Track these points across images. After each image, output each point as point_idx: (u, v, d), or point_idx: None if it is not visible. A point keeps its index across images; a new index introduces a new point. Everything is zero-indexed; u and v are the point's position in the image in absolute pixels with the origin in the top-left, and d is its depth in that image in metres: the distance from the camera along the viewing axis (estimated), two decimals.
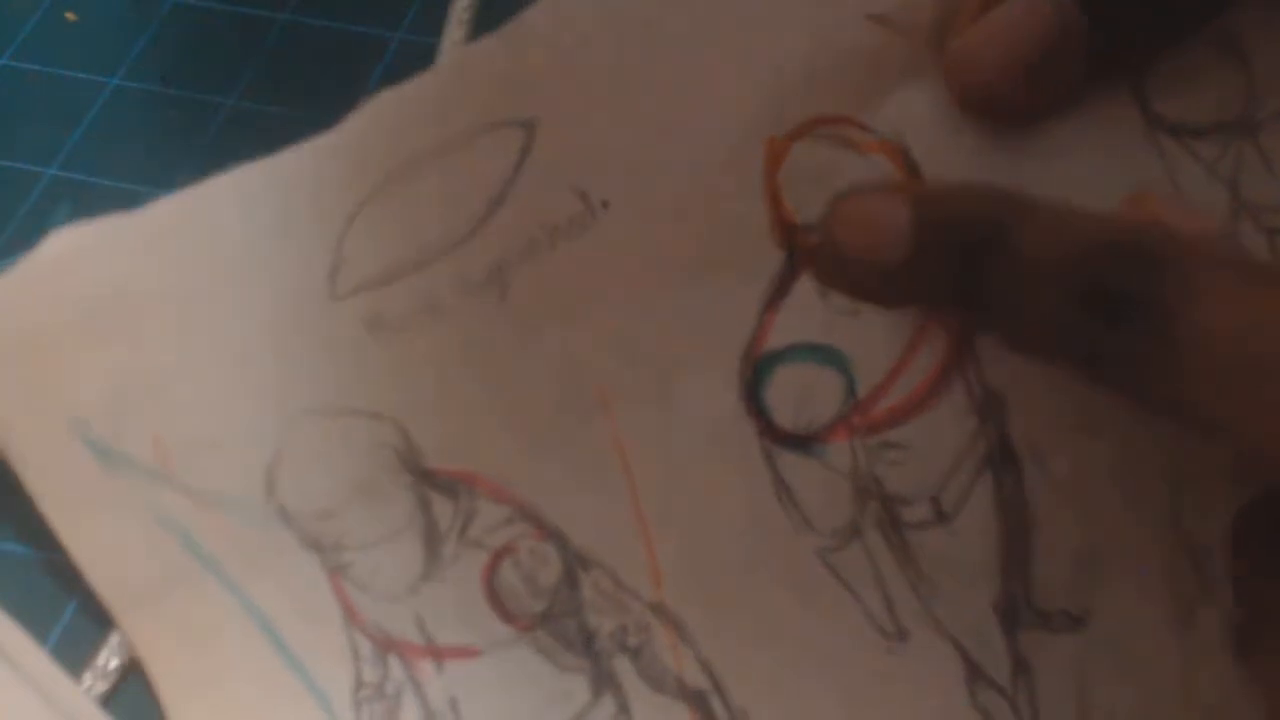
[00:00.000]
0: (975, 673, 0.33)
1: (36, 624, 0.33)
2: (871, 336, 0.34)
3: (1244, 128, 0.34)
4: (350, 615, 0.33)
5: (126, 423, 0.32)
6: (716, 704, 0.33)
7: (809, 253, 0.34)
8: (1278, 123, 0.34)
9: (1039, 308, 0.29)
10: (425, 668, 0.33)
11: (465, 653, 0.33)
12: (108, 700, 0.33)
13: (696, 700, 0.33)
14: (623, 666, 0.34)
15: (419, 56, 0.31)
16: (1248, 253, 0.32)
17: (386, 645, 0.33)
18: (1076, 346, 0.29)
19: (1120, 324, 0.28)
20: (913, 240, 0.30)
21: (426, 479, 0.33)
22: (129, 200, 0.31)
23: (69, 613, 0.32)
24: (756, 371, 0.34)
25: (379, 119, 0.32)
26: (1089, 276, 0.28)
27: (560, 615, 0.34)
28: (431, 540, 0.33)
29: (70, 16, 0.42)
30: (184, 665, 0.33)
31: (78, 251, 0.31)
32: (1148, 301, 0.28)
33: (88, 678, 0.33)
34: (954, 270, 0.30)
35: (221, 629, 0.33)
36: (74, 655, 0.33)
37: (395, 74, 0.31)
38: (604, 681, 0.33)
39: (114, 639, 0.34)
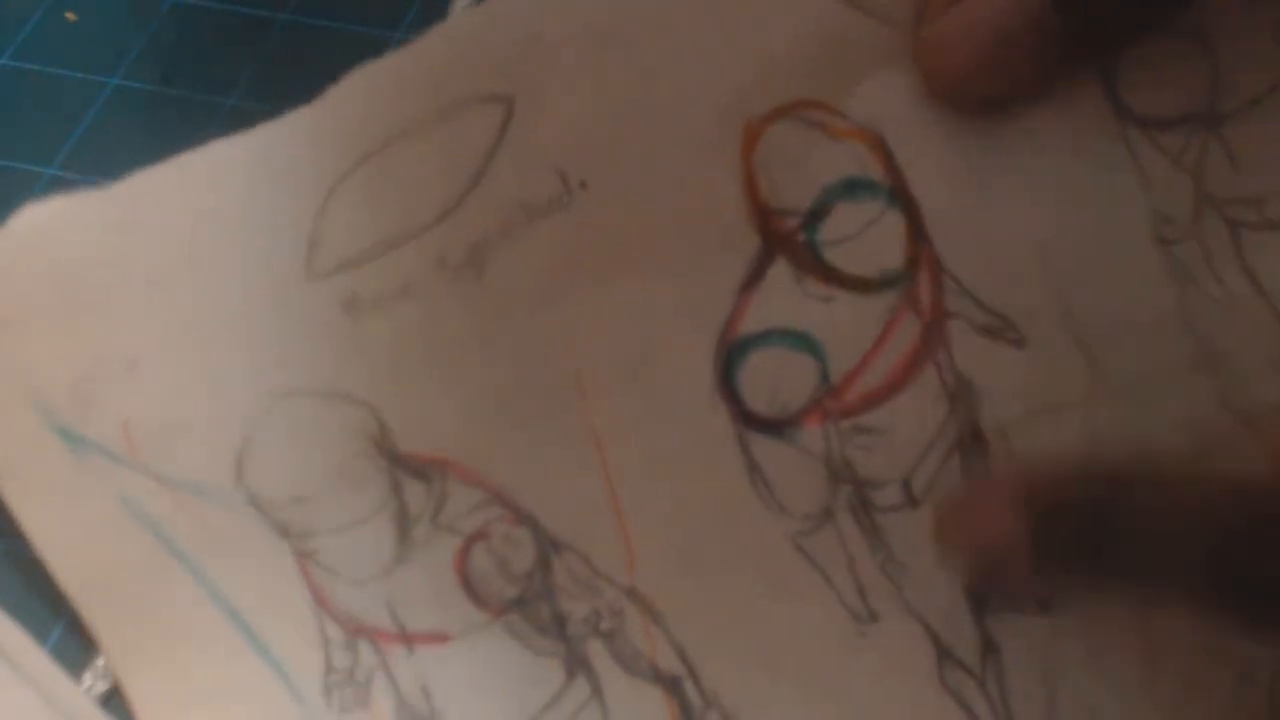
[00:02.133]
0: (945, 655, 0.34)
1: (36, 624, 0.32)
2: (845, 322, 0.34)
3: (1209, 120, 0.34)
4: (320, 601, 0.33)
5: (94, 406, 0.31)
6: (689, 687, 0.33)
7: (783, 237, 0.34)
8: (1242, 116, 0.34)
9: (1172, 575, 0.29)
10: (396, 653, 0.33)
11: (437, 638, 0.33)
12: (108, 700, 0.32)
13: (670, 684, 0.33)
14: (596, 650, 0.33)
15: None
16: None
17: (357, 631, 0.33)
18: (1222, 612, 0.29)
19: (1264, 595, 0.28)
20: (1032, 548, 0.30)
21: (399, 463, 0.33)
22: None
23: (69, 613, 0.32)
24: (731, 356, 0.34)
25: (357, 94, 0.32)
26: (1213, 555, 0.28)
27: (533, 600, 0.33)
28: (403, 525, 0.33)
29: (70, 16, 0.41)
30: (149, 654, 0.32)
31: (47, 228, 0.31)
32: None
33: (88, 678, 0.33)
34: (1081, 557, 0.30)
35: (188, 616, 0.32)
36: (74, 655, 0.33)
37: None
38: (577, 665, 0.33)
39: None
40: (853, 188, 0.34)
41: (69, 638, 0.33)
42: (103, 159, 0.39)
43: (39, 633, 0.32)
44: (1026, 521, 0.30)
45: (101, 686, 0.33)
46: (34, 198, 0.30)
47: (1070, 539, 0.30)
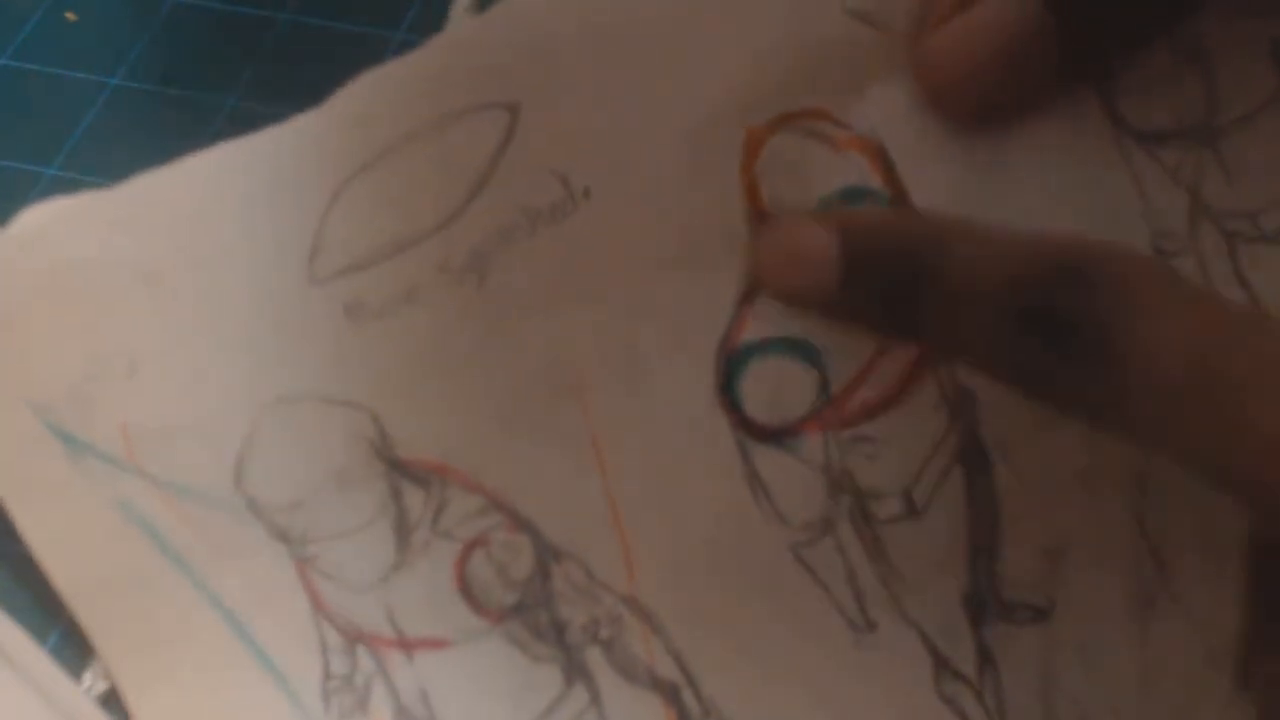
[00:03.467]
0: (942, 664, 0.34)
1: (36, 624, 0.32)
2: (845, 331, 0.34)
3: (1205, 134, 0.35)
4: (318, 607, 0.33)
5: (93, 408, 0.31)
6: (688, 695, 0.33)
7: None
8: (1237, 130, 0.35)
9: (976, 333, 0.30)
10: (395, 659, 0.33)
11: (436, 644, 0.33)
12: (107, 700, 0.32)
13: (668, 691, 0.33)
14: (594, 658, 0.33)
15: None
16: (1175, 270, 0.32)
17: (355, 637, 0.33)
18: (1018, 368, 0.29)
19: (1060, 345, 0.28)
20: (841, 272, 0.31)
21: (399, 469, 0.33)
22: None
23: (69, 613, 0.32)
24: (731, 364, 0.34)
25: (362, 99, 0.32)
26: (1025, 299, 0.29)
27: (532, 607, 0.33)
28: (402, 531, 0.33)
29: (70, 16, 0.41)
30: (146, 659, 0.32)
31: (48, 229, 0.30)
32: (1087, 321, 0.28)
33: (88, 678, 0.32)
34: (888, 299, 0.31)
35: (186, 622, 0.32)
36: (74, 655, 0.32)
37: None
38: (576, 673, 0.33)
39: None
40: (853, 197, 0.34)
41: (69, 638, 0.32)
42: (103, 159, 0.39)
43: (39, 633, 0.32)
44: (839, 248, 0.31)
45: (101, 686, 0.32)
46: (34, 198, 0.30)
47: (878, 270, 0.31)
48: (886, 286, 0.30)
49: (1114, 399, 0.28)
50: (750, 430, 0.34)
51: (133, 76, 0.40)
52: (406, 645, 0.33)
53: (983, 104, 0.34)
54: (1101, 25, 0.34)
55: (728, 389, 0.34)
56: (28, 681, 0.31)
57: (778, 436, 0.34)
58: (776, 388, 0.34)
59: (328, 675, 0.33)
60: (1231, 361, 0.27)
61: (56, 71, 0.41)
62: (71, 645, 0.32)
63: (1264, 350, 0.28)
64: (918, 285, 0.30)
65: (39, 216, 0.30)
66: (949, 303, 0.30)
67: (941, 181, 0.34)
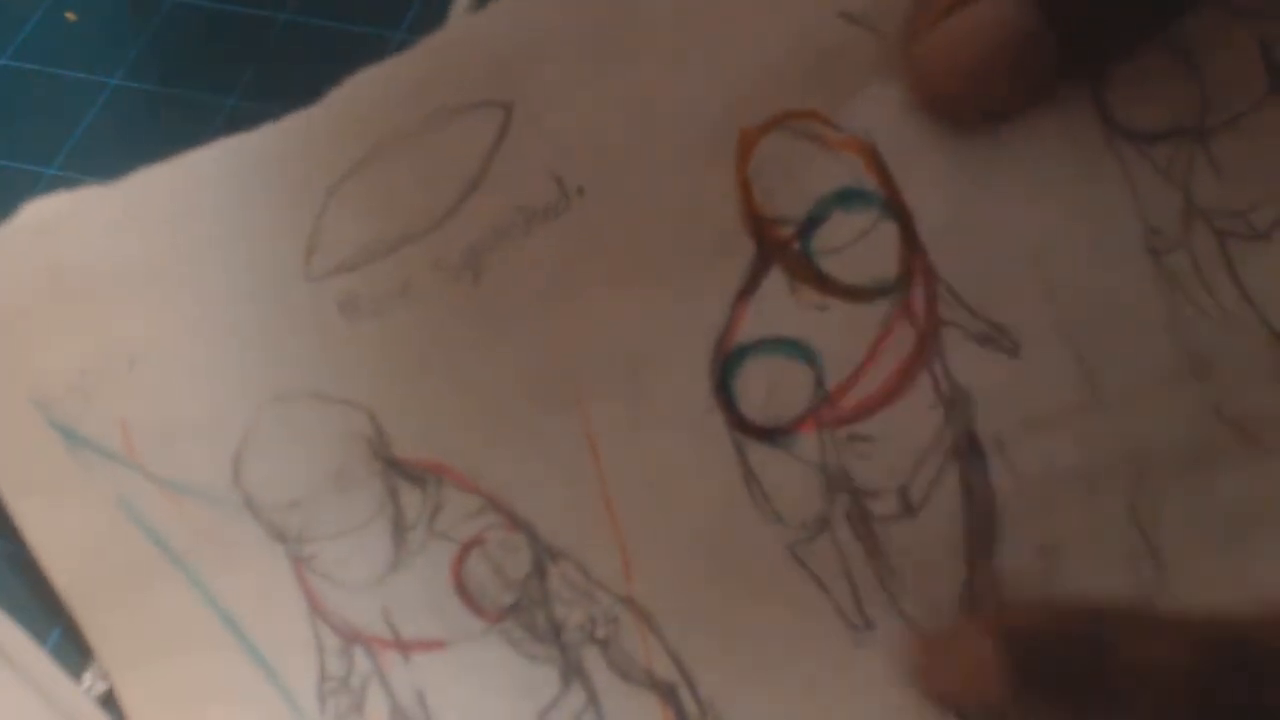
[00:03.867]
0: None
1: (36, 624, 0.32)
2: (840, 330, 0.34)
3: (1196, 134, 0.35)
4: (315, 607, 0.33)
5: (92, 404, 0.31)
6: (685, 695, 0.33)
7: (778, 246, 0.34)
8: (1228, 130, 0.35)
9: (1153, 714, 0.29)
10: (392, 659, 0.33)
11: (432, 644, 0.33)
12: (107, 700, 0.32)
13: (665, 691, 0.33)
14: (592, 657, 0.33)
15: None
16: None
17: (352, 637, 0.33)
18: None
19: None
20: (1013, 684, 0.30)
21: (395, 468, 0.33)
22: None
23: (68, 613, 0.32)
24: (727, 363, 0.34)
25: (358, 97, 0.32)
26: (1201, 690, 0.29)
27: (529, 607, 0.33)
28: (399, 531, 0.33)
29: (70, 16, 0.41)
30: (143, 657, 0.32)
31: (48, 226, 0.31)
32: (1264, 713, 0.28)
33: (88, 678, 0.32)
34: (1062, 687, 0.30)
35: (182, 620, 0.32)
36: (74, 655, 0.32)
37: None
38: (573, 672, 0.33)
39: None
40: (847, 197, 0.34)
41: (69, 638, 0.32)
42: (103, 159, 0.39)
43: (39, 633, 0.32)
44: (1005, 657, 0.30)
45: (101, 686, 0.32)
46: (34, 198, 0.30)
47: (1049, 675, 0.30)
48: (1060, 685, 0.30)
49: None
50: (746, 429, 0.34)
51: (133, 76, 0.41)
52: (403, 646, 0.33)
53: (976, 105, 0.34)
54: (1093, 27, 0.34)
55: (723, 388, 0.34)
56: (28, 681, 0.31)
57: (774, 435, 0.34)
58: (772, 387, 0.34)
59: (324, 676, 0.33)
60: None
61: (56, 71, 0.41)
62: (71, 645, 0.32)
63: None
64: (1091, 673, 0.30)
65: (39, 212, 0.30)
66: (1125, 688, 0.30)
67: (935, 181, 0.34)
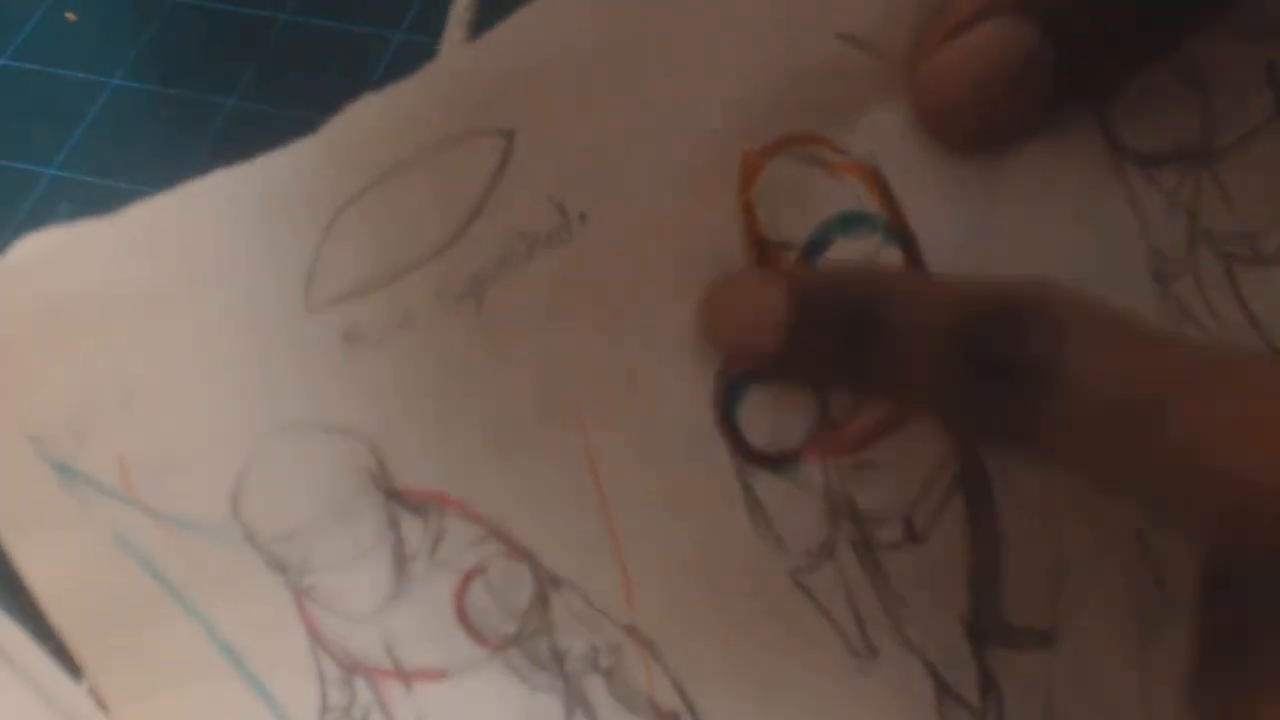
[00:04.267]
0: (945, 691, 0.34)
1: (36, 624, 0.32)
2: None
3: (1202, 157, 0.35)
4: (316, 637, 0.32)
5: (89, 438, 0.31)
6: (684, 714, 0.33)
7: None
8: (1234, 153, 0.35)
9: (920, 379, 0.31)
10: (393, 690, 0.33)
11: (434, 674, 0.33)
12: (107, 709, 0.32)
13: (663, 712, 0.33)
14: (594, 687, 0.33)
15: (419, 56, 0.31)
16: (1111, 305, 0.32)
17: (353, 667, 0.33)
18: (963, 410, 0.31)
19: (999, 384, 0.29)
20: (788, 326, 0.32)
21: (397, 498, 0.33)
22: (129, 200, 0.30)
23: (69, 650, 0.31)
24: (730, 390, 0.34)
25: (358, 126, 0.31)
26: (964, 344, 0.30)
27: (531, 636, 0.33)
28: (401, 560, 0.33)
29: (70, 16, 0.40)
30: (143, 691, 0.32)
31: (46, 258, 0.30)
32: (1023, 359, 0.29)
33: (88, 678, 0.32)
34: (836, 351, 0.32)
35: (183, 653, 0.32)
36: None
37: (395, 74, 0.30)
38: (576, 702, 0.33)
39: None
40: (850, 221, 0.34)
41: None
42: (103, 159, 0.39)
43: (39, 633, 0.32)
44: (784, 306, 0.32)
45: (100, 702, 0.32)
46: (34, 198, 0.30)
47: (823, 328, 0.32)
48: (833, 339, 0.32)
49: (1054, 433, 0.29)
50: (750, 456, 0.34)
51: (133, 76, 0.40)
52: (405, 676, 0.33)
53: (979, 128, 0.34)
54: (1098, 49, 0.34)
55: (727, 415, 0.34)
56: (28, 681, 0.31)
57: (777, 463, 0.34)
58: (776, 414, 0.34)
59: (325, 707, 0.32)
60: (1155, 386, 0.28)
61: (56, 71, 0.40)
62: None
63: (1190, 373, 0.29)
64: (863, 337, 0.31)
65: (34, 246, 0.30)
66: (893, 352, 0.31)
67: (939, 205, 0.34)
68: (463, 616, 0.33)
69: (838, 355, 0.32)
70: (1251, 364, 0.30)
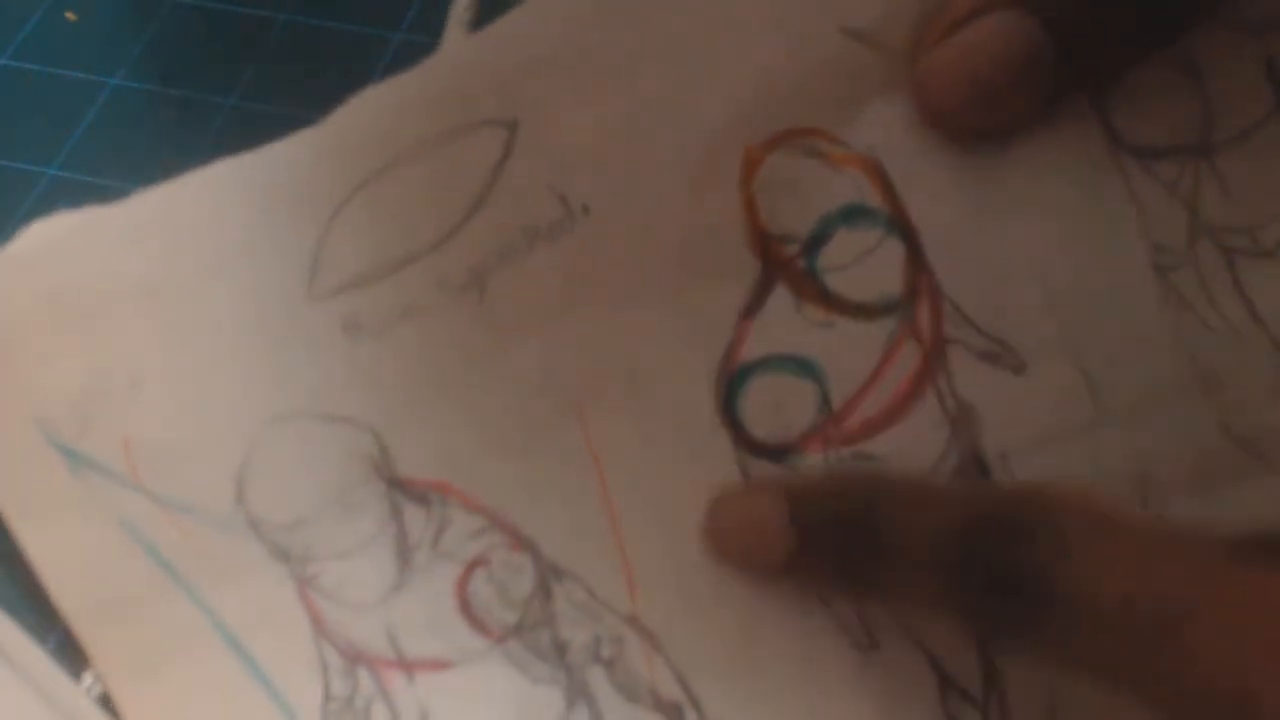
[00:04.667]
0: (948, 683, 0.33)
1: (36, 624, 0.32)
2: (846, 348, 0.34)
3: (1202, 150, 0.35)
4: (319, 627, 0.33)
5: (95, 425, 0.31)
6: (691, 715, 0.33)
7: (783, 263, 0.34)
8: (1234, 146, 0.35)
9: (925, 588, 0.31)
10: (396, 680, 0.33)
11: (436, 664, 0.33)
12: (108, 700, 0.32)
13: (671, 712, 0.33)
14: (596, 678, 0.33)
15: (419, 56, 0.31)
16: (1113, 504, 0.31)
17: (356, 657, 0.33)
18: (971, 616, 0.31)
19: (1005, 596, 0.29)
20: (795, 541, 0.32)
21: (399, 488, 0.33)
22: None
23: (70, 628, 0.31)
24: (732, 382, 0.34)
25: (362, 116, 0.32)
26: (965, 554, 0.30)
27: (533, 626, 0.33)
28: (403, 550, 0.33)
29: (70, 16, 0.41)
30: (145, 678, 0.32)
31: (52, 245, 0.30)
32: (1025, 572, 0.29)
33: (88, 678, 0.32)
34: (840, 560, 0.32)
35: (185, 641, 0.32)
36: (74, 655, 0.32)
37: (395, 74, 0.30)
38: (577, 693, 0.33)
39: None
40: (852, 215, 0.34)
41: (69, 638, 0.32)
42: (103, 159, 0.39)
43: (39, 633, 0.32)
44: (788, 518, 0.32)
45: (101, 686, 0.32)
46: (34, 197, 0.30)
47: (825, 539, 0.32)
48: (835, 547, 0.32)
49: (1061, 643, 0.29)
50: (751, 448, 0.34)
51: (133, 76, 0.40)
52: (407, 666, 0.33)
53: (980, 122, 0.34)
54: (1097, 43, 0.34)
55: (728, 406, 0.34)
56: (28, 681, 0.31)
57: (779, 454, 0.34)
58: (777, 405, 0.34)
59: (328, 697, 0.32)
60: (1166, 599, 0.28)
61: (56, 71, 0.41)
62: (72, 645, 0.32)
63: (1203, 581, 0.28)
64: (864, 544, 0.31)
65: (41, 232, 0.30)
66: (896, 561, 0.31)
67: (939, 198, 0.34)
68: (465, 607, 0.33)
69: (841, 563, 0.32)
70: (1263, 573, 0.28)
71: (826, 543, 0.32)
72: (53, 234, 0.31)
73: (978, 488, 0.33)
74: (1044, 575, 0.28)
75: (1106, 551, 0.28)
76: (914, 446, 0.34)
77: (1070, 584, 0.28)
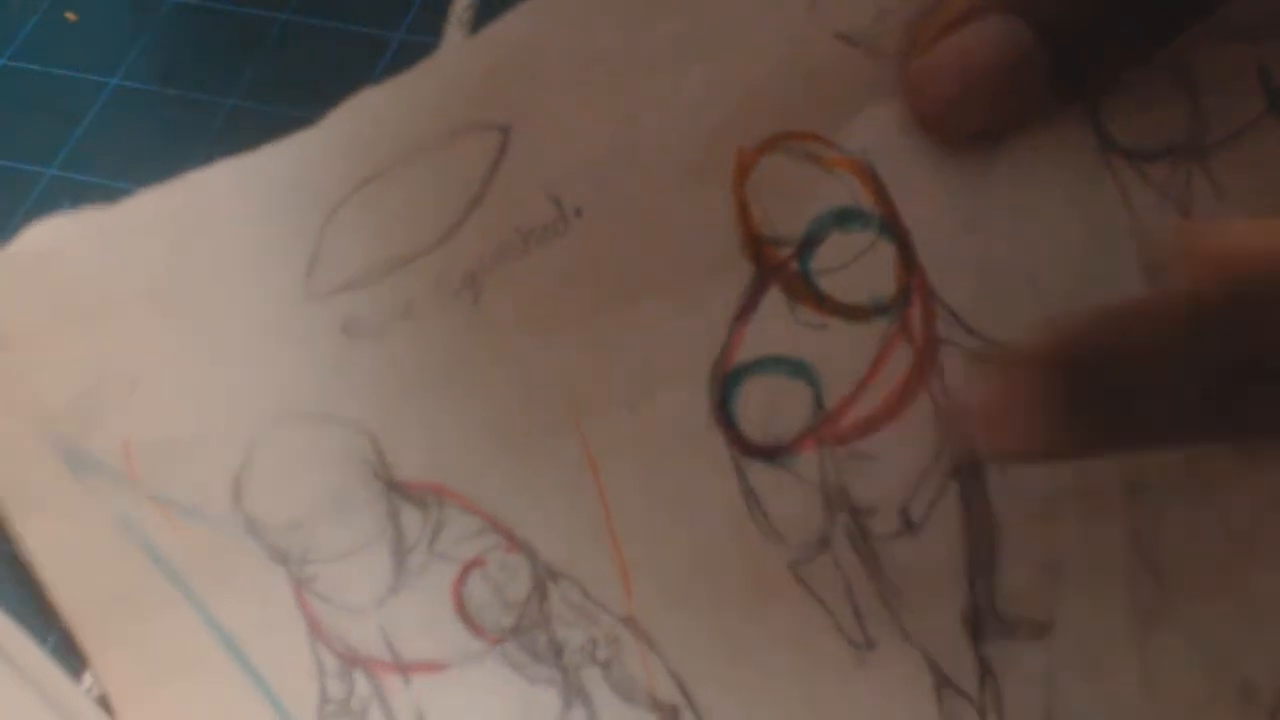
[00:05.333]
0: (943, 681, 0.33)
1: (36, 624, 0.32)
2: (839, 349, 0.34)
3: (1193, 152, 0.35)
4: (316, 629, 0.33)
5: (95, 424, 0.31)
6: (687, 716, 0.33)
7: (776, 266, 0.34)
8: (1226, 149, 0.35)
9: (1202, 400, 0.29)
10: (392, 682, 0.33)
11: (433, 666, 0.33)
12: (107, 700, 0.32)
13: (667, 713, 0.33)
14: (592, 679, 0.33)
15: (419, 56, 0.31)
16: None
17: (352, 660, 0.33)
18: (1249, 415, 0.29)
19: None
20: (1068, 404, 0.29)
21: (396, 490, 0.33)
22: None
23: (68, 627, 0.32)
24: (726, 383, 0.34)
25: (358, 118, 0.32)
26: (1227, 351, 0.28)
27: (529, 628, 0.33)
28: (400, 552, 0.33)
29: (70, 16, 0.41)
30: (142, 678, 0.32)
31: (52, 245, 0.31)
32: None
33: (88, 678, 0.32)
34: (1114, 411, 0.29)
35: (183, 642, 0.32)
36: (74, 655, 0.32)
37: (395, 74, 0.31)
38: (574, 694, 0.33)
39: None
40: (845, 217, 0.34)
41: (69, 638, 0.32)
42: (103, 159, 0.39)
43: (39, 633, 0.32)
44: (1059, 386, 0.29)
45: (100, 687, 0.32)
46: (34, 198, 0.30)
47: (1099, 391, 0.29)
48: (1110, 400, 0.29)
49: None
50: (746, 448, 0.34)
51: (133, 76, 0.41)
52: (404, 668, 0.33)
53: (972, 125, 0.34)
54: (1089, 47, 0.34)
55: (723, 407, 0.34)
56: (28, 681, 0.31)
57: (774, 454, 0.34)
58: (772, 406, 0.34)
59: (325, 699, 0.32)
60: None
61: (56, 71, 0.41)
62: (71, 645, 0.32)
63: None
64: (1137, 387, 0.29)
65: (41, 234, 0.30)
66: (1170, 388, 0.29)
67: (932, 200, 0.34)
68: (461, 608, 0.33)
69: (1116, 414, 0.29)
70: None
71: (1099, 394, 0.29)
72: (53, 234, 0.31)
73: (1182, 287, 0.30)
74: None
75: None
76: (908, 447, 0.34)
77: None
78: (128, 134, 0.40)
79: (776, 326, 0.34)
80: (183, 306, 0.31)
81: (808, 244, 0.34)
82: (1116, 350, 0.29)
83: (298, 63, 0.40)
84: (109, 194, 0.31)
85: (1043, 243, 0.34)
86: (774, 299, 0.34)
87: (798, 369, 0.34)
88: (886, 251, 0.34)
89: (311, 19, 0.41)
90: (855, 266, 0.34)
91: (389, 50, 0.32)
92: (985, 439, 0.31)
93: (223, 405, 0.32)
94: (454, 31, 0.38)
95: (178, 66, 0.41)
